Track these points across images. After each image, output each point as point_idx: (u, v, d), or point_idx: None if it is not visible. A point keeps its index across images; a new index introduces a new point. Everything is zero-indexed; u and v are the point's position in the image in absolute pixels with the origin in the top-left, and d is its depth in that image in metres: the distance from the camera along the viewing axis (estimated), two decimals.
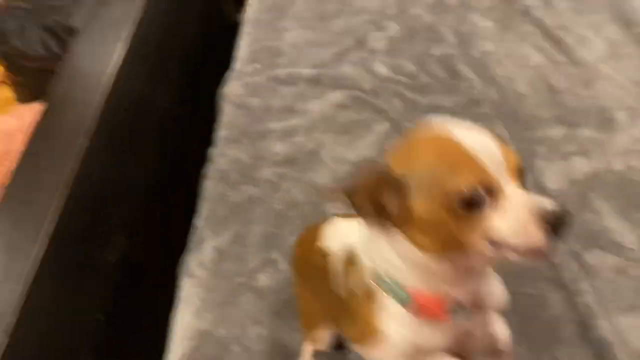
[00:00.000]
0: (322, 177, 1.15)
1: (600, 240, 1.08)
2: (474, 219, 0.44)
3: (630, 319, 0.98)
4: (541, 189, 1.13)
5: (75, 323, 0.93)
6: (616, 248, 1.06)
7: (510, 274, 1.01)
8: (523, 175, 0.46)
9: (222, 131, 1.23)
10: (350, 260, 0.62)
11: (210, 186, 1.15)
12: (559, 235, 0.43)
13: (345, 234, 0.68)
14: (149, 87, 1.20)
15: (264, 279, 1.02)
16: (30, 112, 1.68)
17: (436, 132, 0.47)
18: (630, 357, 0.93)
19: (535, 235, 0.43)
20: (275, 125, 1.22)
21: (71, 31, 1.91)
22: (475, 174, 0.43)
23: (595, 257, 1.05)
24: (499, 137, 0.48)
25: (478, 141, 0.45)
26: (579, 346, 0.95)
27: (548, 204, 0.44)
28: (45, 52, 2.00)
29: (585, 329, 0.97)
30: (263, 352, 0.94)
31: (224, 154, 1.18)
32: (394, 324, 0.56)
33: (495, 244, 0.45)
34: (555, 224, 0.42)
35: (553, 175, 1.16)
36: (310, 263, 0.77)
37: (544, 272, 1.04)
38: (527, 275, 1.03)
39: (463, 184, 0.42)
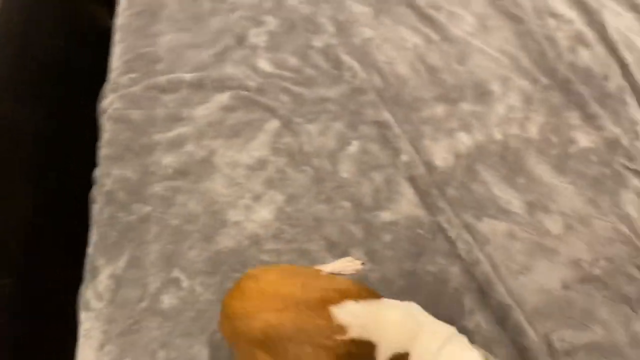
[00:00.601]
0: (219, 184, 1.12)
1: (489, 209, 1.14)
2: None
3: (524, 279, 1.05)
4: (430, 168, 1.18)
5: None
6: (505, 214, 1.13)
7: (409, 255, 1.05)
8: None
9: (104, 149, 1.16)
10: None
11: (98, 210, 1.08)
12: None
13: None
14: (14, 109, 1.10)
15: (167, 300, 0.98)
16: None
17: None
18: (529, 314, 1.00)
19: None
20: (161, 136, 1.17)
21: None
22: None
23: (486, 225, 1.11)
24: None
25: None
26: (484, 312, 1.00)
27: None
28: None
29: (485, 296, 1.02)
30: None
31: (109, 173, 1.11)
32: None
33: None
34: None
35: (440, 153, 1.20)
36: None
37: (442, 247, 1.08)
38: (426, 252, 1.07)
39: None
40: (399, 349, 0.81)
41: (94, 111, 1.25)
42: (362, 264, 1.03)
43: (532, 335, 0.97)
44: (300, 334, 0.78)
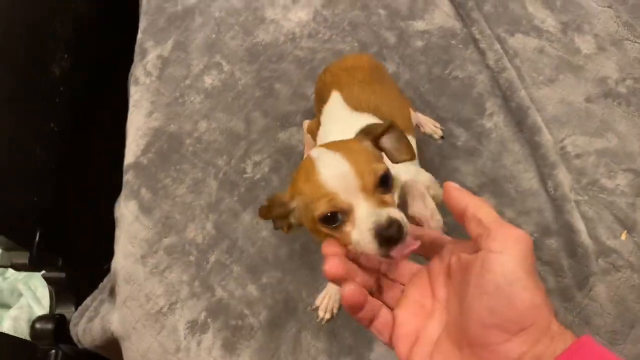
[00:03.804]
0: None
1: (523, 25, 1.15)
2: (336, 229, 0.52)
3: (547, 90, 1.08)
4: None
5: (31, 131, 0.97)
6: (537, 32, 1.15)
7: (439, 61, 1.09)
8: (384, 182, 0.52)
9: None
10: None
11: (147, 0, 1.15)
12: (391, 245, 0.48)
13: (330, 121, 0.82)
14: None
15: (209, 80, 1.06)
16: None
17: (311, 164, 0.54)
18: (547, 120, 1.04)
19: (369, 245, 0.49)
20: None
21: None
22: (328, 201, 0.51)
23: (517, 41, 1.13)
24: (361, 158, 0.53)
25: (334, 170, 0.53)
26: (503, 115, 1.06)
27: (384, 218, 0.49)
28: None
29: (507, 101, 1.07)
30: (214, 141, 1.01)
31: None
32: None
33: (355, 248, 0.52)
34: (386, 236, 0.48)
35: None
36: (320, 98, 0.87)
37: (472, 56, 1.11)
38: (456, 60, 1.11)
39: (319, 211, 0.51)
40: None
41: None
42: (441, 137, 1.04)
43: (547, 136, 1.02)
44: None
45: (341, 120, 0.81)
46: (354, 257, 0.51)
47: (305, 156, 0.98)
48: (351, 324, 0.88)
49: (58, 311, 1.08)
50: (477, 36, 1.12)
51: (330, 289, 0.89)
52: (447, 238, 0.50)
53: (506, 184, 0.99)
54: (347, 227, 0.52)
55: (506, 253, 0.39)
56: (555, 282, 0.91)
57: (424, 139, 1.02)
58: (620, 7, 1.16)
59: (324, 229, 0.54)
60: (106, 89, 1.17)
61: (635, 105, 1.07)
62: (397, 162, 0.59)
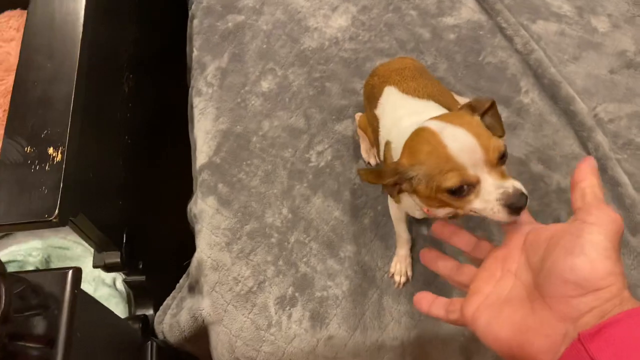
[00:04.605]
0: None
1: (542, 13, 1.26)
2: (459, 200, 0.59)
3: (573, 66, 1.18)
4: None
5: (112, 146, 1.06)
6: (556, 17, 1.26)
7: (472, 50, 1.19)
8: (504, 157, 0.58)
9: None
10: (388, 146, 0.81)
11: (199, 22, 1.26)
12: (517, 213, 0.55)
13: (394, 109, 0.87)
14: None
15: (266, 85, 1.16)
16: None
17: (433, 136, 0.60)
18: (577, 92, 1.13)
19: (499, 214, 0.57)
20: None
21: None
22: (459, 175, 0.57)
23: (540, 26, 1.24)
24: (482, 132, 0.58)
25: (462, 144, 0.58)
26: (538, 90, 1.15)
27: (511, 190, 0.56)
28: None
29: (539, 78, 1.16)
30: (278, 137, 1.10)
31: None
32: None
33: (475, 212, 0.60)
34: (513, 207, 0.56)
35: None
36: (371, 97, 0.94)
37: (500, 43, 1.22)
38: (487, 47, 1.21)
39: (450, 183, 0.57)
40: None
41: None
42: None
43: (581, 104, 1.11)
44: None
45: (406, 106, 0.87)
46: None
47: (362, 150, 1.07)
48: (428, 286, 0.95)
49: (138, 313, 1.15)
50: (503, 25, 1.23)
51: (400, 254, 0.97)
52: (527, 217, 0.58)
53: (550, 151, 1.08)
54: (471, 197, 0.59)
55: (598, 225, 0.45)
56: None
57: None
58: None
59: (448, 199, 0.61)
60: (166, 104, 1.27)
61: None
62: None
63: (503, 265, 0.54)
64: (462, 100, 1.12)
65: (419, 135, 0.64)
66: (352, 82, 1.16)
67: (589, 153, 1.07)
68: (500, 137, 0.64)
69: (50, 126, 0.83)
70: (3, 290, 0.56)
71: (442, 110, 0.85)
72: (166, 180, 1.25)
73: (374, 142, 0.98)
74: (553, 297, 0.46)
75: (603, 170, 1.04)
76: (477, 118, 0.63)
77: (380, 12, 1.26)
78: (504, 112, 1.13)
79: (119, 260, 1.02)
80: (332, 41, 1.22)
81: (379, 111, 0.92)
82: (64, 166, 0.80)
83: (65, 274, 0.67)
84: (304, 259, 0.98)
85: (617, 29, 1.23)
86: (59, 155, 0.80)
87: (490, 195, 0.58)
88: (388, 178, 0.64)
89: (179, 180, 1.18)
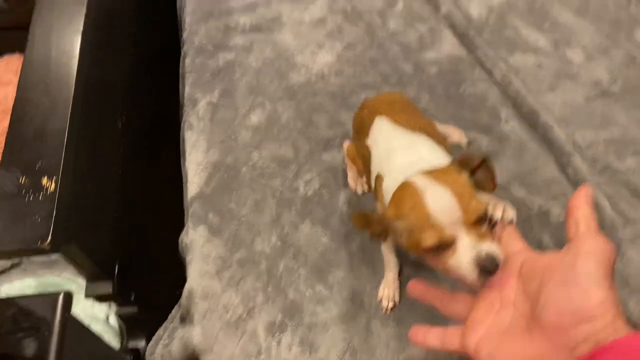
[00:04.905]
0: (287, 37, 1.33)
1: (520, 46, 1.32)
2: (436, 257, 0.62)
3: (550, 96, 1.23)
4: (467, 18, 1.36)
5: (105, 179, 1.09)
6: (533, 50, 1.31)
7: (453, 82, 1.24)
8: (483, 218, 0.61)
9: (189, 17, 1.38)
10: (379, 179, 0.85)
11: (190, 61, 1.31)
12: (488, 275, 0.58)
13: (386, 140, 0.90)
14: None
15: (255, 118, 1.20)
16: None
17: (416, 193, 0.63)
18: (556, 121, 1.18)
19: (471, 275, 0.60)
20: (236, 3, 1.39)
21: None
22: (436, 234, 0.60)
23: (518, 59, 1.30)
24: (465, 192, 0.62)
25: (442, 204, 0.60)
26: (517, 120, 1.19)
27: (483, 253, 0.59)
28: None
29: (519, 108, 1.21)
30: (267, 167, 1.13)
31: (196, 32, 1.34)
32: None
33: (450, 270, 0.63)
34: (485, 268, 0.58)
35: (475, 7, 1.39)
36: (361, 128, 0.98)
37: (480, 76, 1.27)
38: (467, 80, 1.26)
39: (427, 242, 0.60)
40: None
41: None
42: (468, 144, 1.13)
43: (559, 132, 1.15)
44: None
45: (399, 138, 0.90)
46: None
47: (349, 178, 1.10)
48: (417, 310, 0.97)
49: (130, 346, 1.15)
50: (482, 58, 1.28)
51: (388, 279, 0.99)
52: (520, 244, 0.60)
53: (531, 176, 1.11)
54: (448, 255, 0.62)
55: (591, 255, 0.48)
56: None
57: (453, 146, 1.15)
58: (599, 24, 1.34)
59: (426, 255, 0.63)
60: (158, 139, 1.31)
61: (630, 100, 1.22)
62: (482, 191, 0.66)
63: (500, 294, 0.56)
64: (446, 129, 1.16)
65: (404, 190, 0.66)
66: (339, 114, 1.20)
67: (568, 178, 1.10)
68: (492, 190, 0.67)
69: (45, 158, 0.86)
70: None
71: (432, 144, 0.89)
72: (159, 213, 1.28)
73: (364, 170, 1.01)
74: (550, 327, 0.48)
75: None
76: (464, 176, 0.65)
77: (364, 48, 1.32)
78: (484, 140, 1.17)
79: (111, 290, 1.03)
80: (319, 76, 1.27)
81: (370, 141, 0.95)
82: (57, 196, 0.82)
83: (56, 298, 0.69)
84: (293, 285, 1.00)
85: (591, 60, 1.29)
86: (53, 185, 0.83)
87: (464, 255, 0.60)
88: (375, 227, 0.68)
89: (171, 212, 1.21)
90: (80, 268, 0.97)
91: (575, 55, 1.30)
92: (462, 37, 1.32)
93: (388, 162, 0.88)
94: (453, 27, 1.34)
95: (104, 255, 1.02)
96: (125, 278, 1.07)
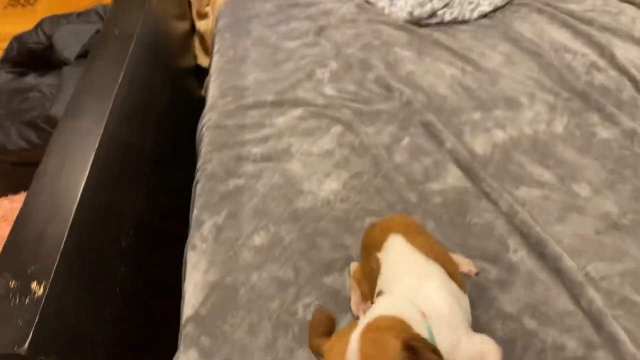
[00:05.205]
0: (296, 166, 1.38)
1: (525, 180, 1.34)
2: None
3: (559, 227, 1.22)
4: (472, 153, 1.40)
5: (100, 295, 1.07)
6: (539, 184, 1.33)
7: (458, 212, 1.24)
8: None
9: (205, 148, 1.45)
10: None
11: (201, 186, 1.35)
12: None
13: (398, 260, 0.93)
14: (136, 136, 1.42)
15: (258, 239, 1.20)
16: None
17: (337, 341, 0.72)
18: (565, 251, 1.15)
19: None
20: (250, 136, 1.46)
21: (52, 120, 2.13)
22: None
23: (523, 192, 1.30)
24: None
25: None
26: (526, 249, 1.17)
27: None
28: (26, 145, 2.19)
29: (527, 237, 1.19)
30: (263, 290, 1.10)
31: (210, 160, 1.40)
32: None
33: None
34: None
35: (479, 144, 1.44)
36: (372, 244, 1.00)
37: (486, 207, 1.27)
38: (472, 210, 1.26)
39: None
40: None
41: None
42: (476, 274, 1.12)
43: (569, 262, 1.11)
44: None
45: (411, 263, 0.91)
46: None
47: (352, 303, 1.06)
48: None
49: None
50: (487, 190, 1.29)
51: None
52: None
53: (543, 308, 1.06)
54: None
55: None
56: None
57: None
58: (603, 161, 1.36)
59: None
60: (162, 260, 1.30)
61: None
62: None
63: None
64: (456, 258, 1.12)
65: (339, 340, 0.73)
66: (343, 238, 1.19)
67: (582, 309, 1.04)
68: None
69: (39, 262, 0.86)
70: None
71: (445, 278, 0.89)
72: (154, 334, 1.23)
73: (369, 292, 0.98)
74: None
75: (599, 326, 1.01)
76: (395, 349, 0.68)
77: (370, 178, 1.35)
78: (492, 270, 1.13)
79: None
80: (324, 202, 1.28)
81: (382, 255, 0.95)
82: (43, 301, 0.80)
83: None
84: None
85: (598, 194, 1.28)
86: (41, 290, 0.81)
87: None
88: (314, 348, 0.77)
89: (167, 334, 1.16)
90: None
91: (582, 190, 1.30)
92: (467, 171, 1.35)
93: (392, 284, 0.88)
94: (457, 161, 1.37)
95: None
96: None
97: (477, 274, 1.12)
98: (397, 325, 0.72)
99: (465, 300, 0.95)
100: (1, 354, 0.74)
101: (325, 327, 0.85)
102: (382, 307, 0.79)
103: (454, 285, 0.92)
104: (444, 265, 0.93)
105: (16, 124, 2.21)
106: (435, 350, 0.69)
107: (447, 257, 0.98)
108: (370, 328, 0.71)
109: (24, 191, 1.84)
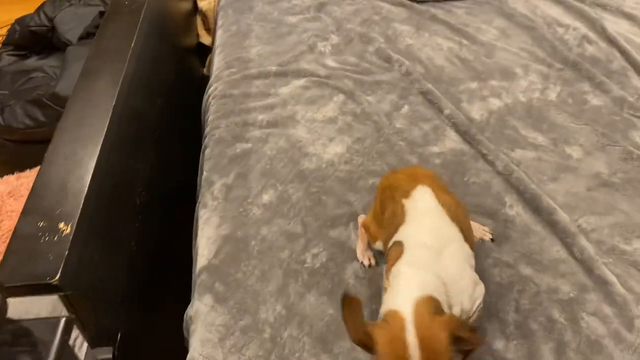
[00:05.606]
0: (301, 131, 1.43)
1: (520, 143, 1.40)
2: None
3: (552, 185, 1.28)
4: (469, 119, 1.46)
5: (117, 247, 1.12)
6: (533, 146, 1.39)
7: (457, 172, 1.30)
8: None
9: (212, 115, 1.50)
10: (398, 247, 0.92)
11: (210, 151, 1.40)
12: None
13: (425, 213, 0.95)
14: (146, 105, 1.46)
15: (267, 197, 1.25)
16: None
17: (394, 331, 0.75)
18: (560, 207, 1.21)
19: None
20: (256, 104, 1.51)
21: (57, 98, 2.16)
22: None
23: (518, 154, 1.36)
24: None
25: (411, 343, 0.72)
26: (522, 204, 1.23)
27: None
28: (32, 122, 2.22)
29: (522, 194, 1.25)
30: (273, 241, 1.15)
31: (217, 126, 1.45)
32: None
33: None
34: None
35: (475, 110, 1.50)
36: (396, 187, 1.02)
37: (483, 167, 1.33)
38: (470, 171, 1.32)
39: None
40: None
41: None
42: (492, 239, 1.15)
43: (563, 215, 1.18)
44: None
45: (436, 225, 0.93)
46: None
47: (358, 250, 1.12)
48: None
49: None
50: (484, 151, 1.35)
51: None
52: None
53: (537, 256, 1.12)
54: None
55: None
56: (605, 328, 0.98)
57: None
58: (595, 125, 1.43)
59: None
60: (172, 220, 1.35)
61: (631, 189, 1.26)
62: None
63: None
64: (473, 225, 1.13)
65: (391, 333, 0.76)
66: (346, 196, 1.25)
67: (575, 257, 1.10)
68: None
69: (64, 206, 0.91)
70: None
71: (462, 243, 0.92)
72: (166, 290, 1.28)
73: (382, 236, 1.03)
74: None
75: (590, 271, 1.07)
76: (444, 338, 0.73)
77: (372, 142, 1.40)
78: (490, 224, 1.19)
79: (110, 356, 1.01)
80: (329, 164, 1.34)
81: (409, 203, 0.96)
82: (71, 238, 0.85)
83: (57, 322, 0.69)
84: (297, 354, 0.97)
85: (590, 156, 1.35)
86: (68, 229, 0.87)
87: None
88: (358, 339, 0.77)
89: (178, 291, 1.21)
90: (83, 330, 0.96)
91: (574, 152, 1.36)
92: (464, 135, 1.41)
93: (413, 239, 0.92)
94: (455, 126, 1.43)
95: (108, 320, 1.02)
96: (127, 347, 1.05)
97: (492, 240, 1.16)
98: (439, 313, 0.77)
99: (473, 257, 0.96)
100: (36, 284, 0.79)
101: (358, 314, 0.85)
102: (413, 284, 0.83)
103: (467, 248, 0.94)
104: (462, 228, 0.94)
105: (21, 102, 2.24)
106: (472, 330, 0.76)
107: (466, 221, 0.99)
108: (417, 318, 0.75)
109: (30, 169, 1.87)
